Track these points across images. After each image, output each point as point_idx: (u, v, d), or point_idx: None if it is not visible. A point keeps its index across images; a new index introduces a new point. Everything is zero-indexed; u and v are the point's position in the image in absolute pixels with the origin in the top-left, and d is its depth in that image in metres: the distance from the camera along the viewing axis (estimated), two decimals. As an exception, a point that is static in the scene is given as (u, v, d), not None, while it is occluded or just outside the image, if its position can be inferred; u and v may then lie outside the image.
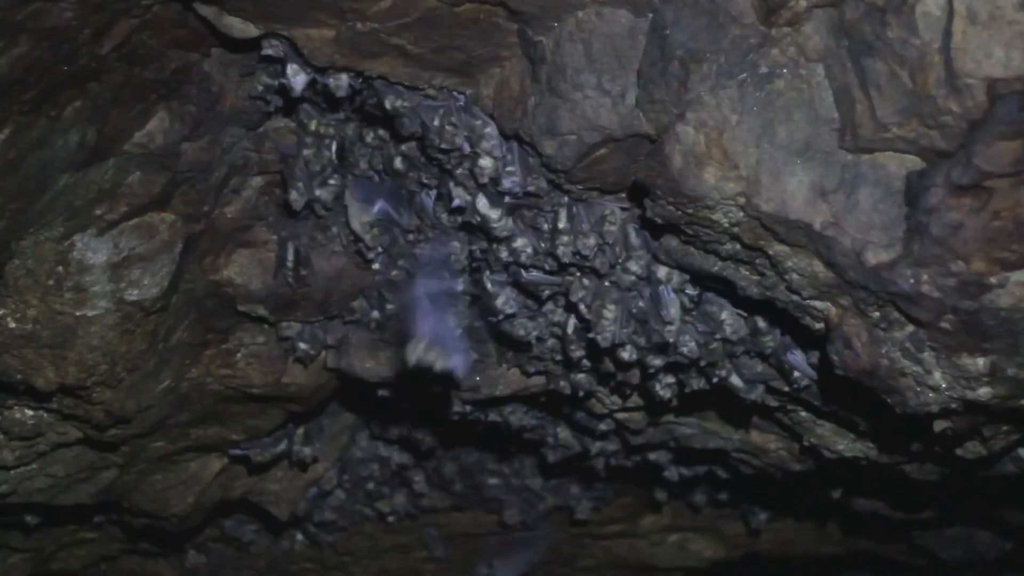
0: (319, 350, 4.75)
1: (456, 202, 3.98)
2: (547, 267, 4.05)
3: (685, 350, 4.01)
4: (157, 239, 4.05)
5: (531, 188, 3.83)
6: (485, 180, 3.84)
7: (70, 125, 3.67)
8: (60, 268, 3.93)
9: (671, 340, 3.96)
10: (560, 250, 3.88)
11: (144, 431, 4.67)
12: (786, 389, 4.19)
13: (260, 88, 3.96)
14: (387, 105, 3.84)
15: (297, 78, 3.77)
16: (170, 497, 5.20)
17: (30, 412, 4.38)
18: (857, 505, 5.63)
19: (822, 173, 3.12)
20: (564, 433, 5.40)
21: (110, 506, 5.26)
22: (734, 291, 3.65)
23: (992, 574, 6.24)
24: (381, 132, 4.19)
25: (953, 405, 3.27)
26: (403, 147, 4.14)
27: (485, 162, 3.80)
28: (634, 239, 3.86)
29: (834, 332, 3.37)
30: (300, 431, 5.36)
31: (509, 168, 3.80)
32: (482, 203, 3.91)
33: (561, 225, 3.88)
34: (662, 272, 3.90)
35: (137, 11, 3.57)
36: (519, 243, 4.01)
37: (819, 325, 3.48)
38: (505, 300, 4.24)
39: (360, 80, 3.82)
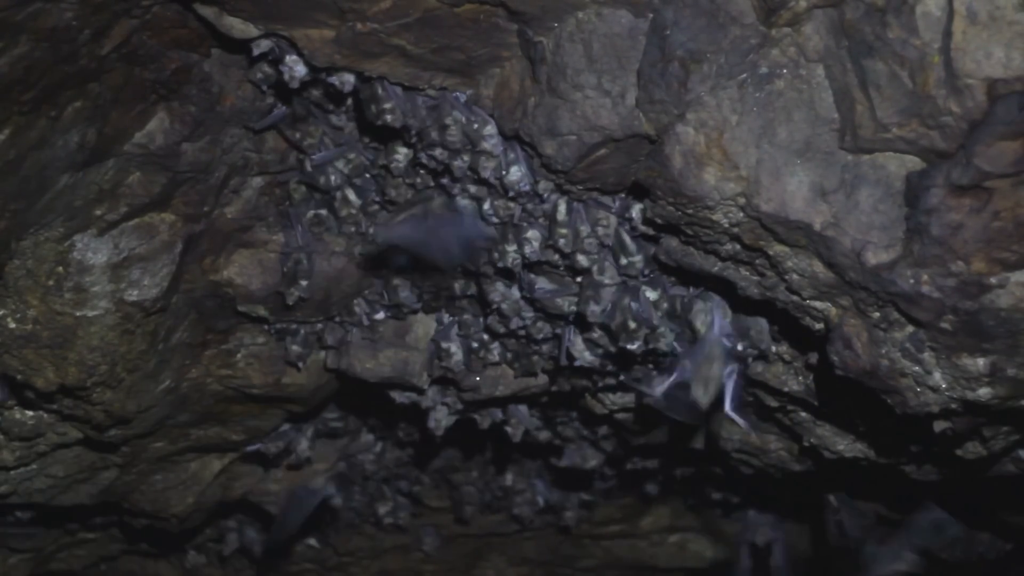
0: (309, 353, 4.73)
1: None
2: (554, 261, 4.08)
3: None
4: (157, 239, 4.05)
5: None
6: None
7: (70, 125, 3.67)
8: (60, 268, 3.93)
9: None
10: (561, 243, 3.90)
11: (144, 431, 4.67)
12: (785, 390, 4.19)
13: (260, 76, 3.95)
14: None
15: (297, 68, 3.75)
16: (170, 497, 5.20)
17: (30, 412, 4.38)
18: (858, 505, 5.62)
19: (822, 173, 3.12)
20: (567, 432, 5.40)
21: (110, 507, 5.26)
22: (734, 291, 3.65)
23: (992, 574, 6.22)
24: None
25: (953, 405, 3.27)
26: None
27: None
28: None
29: (834, 332, 3.37)
30: (300, 431, 5.35)
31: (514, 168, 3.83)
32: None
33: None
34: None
35: (137, 11, 3.57)
36: (530, 234, 4.02)
37: (819, 325, 3.48)
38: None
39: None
